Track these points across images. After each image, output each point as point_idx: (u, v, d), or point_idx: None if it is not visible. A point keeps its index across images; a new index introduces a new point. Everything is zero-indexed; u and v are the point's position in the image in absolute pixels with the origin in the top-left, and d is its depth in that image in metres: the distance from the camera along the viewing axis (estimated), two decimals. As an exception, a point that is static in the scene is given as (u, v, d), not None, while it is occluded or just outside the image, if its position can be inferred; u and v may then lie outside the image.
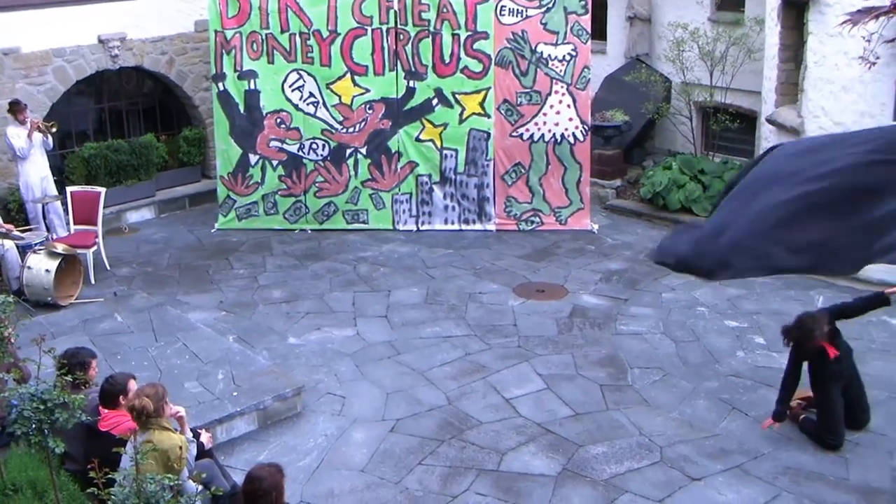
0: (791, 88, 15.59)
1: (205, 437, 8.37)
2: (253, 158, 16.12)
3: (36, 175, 14.44)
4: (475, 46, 15.77)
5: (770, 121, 15.68)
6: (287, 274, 14.34)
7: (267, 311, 12.98)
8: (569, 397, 10.66)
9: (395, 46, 15.78)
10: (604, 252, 15.38)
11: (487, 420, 10.14)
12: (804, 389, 10.18)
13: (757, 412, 10.39)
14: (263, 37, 15.77)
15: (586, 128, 16.21)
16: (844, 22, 5.33)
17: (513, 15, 15.73)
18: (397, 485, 8.99)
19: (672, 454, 9.56)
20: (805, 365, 9.90)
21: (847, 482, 9.13)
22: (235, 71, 15.88)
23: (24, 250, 13.18)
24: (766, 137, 15.96)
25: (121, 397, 7.90)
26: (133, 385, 8.04)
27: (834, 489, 9.00)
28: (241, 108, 16.00)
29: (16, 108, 14.32)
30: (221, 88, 15.97)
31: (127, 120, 17.69)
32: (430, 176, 16.27)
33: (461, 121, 16.00)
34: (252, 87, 15.93)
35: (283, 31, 15.76)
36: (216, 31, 15.83)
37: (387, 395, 10.70)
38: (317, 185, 16.20)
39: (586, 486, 8.99)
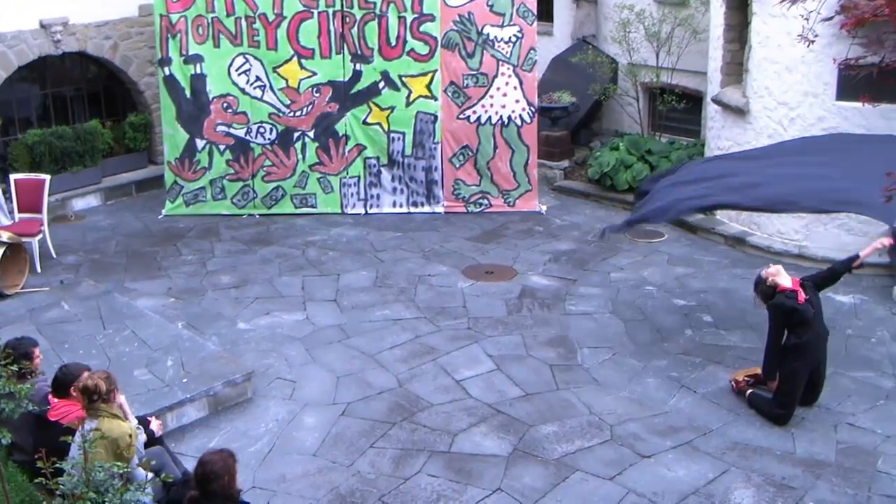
0: (736, 69, 15.70)
1: (154, 425, 8.34)
2: (200, 143, 16.03)
3: (-23, 164, 14.29)
4: (421, 29, 15.76)
5: (716, 101, 15.80)
6: (236, 259, 14.28)
7: (216, 296, 12.93)
8: (519, 378, 10.73)
9: (341, 29, 15.74)
10: (552, 233, 15.47)
11: (438, 402, 10.18)
12: (755, 367, 10.31)
13: (705, 389, 10.53)
14: (209, 20, 15.66)
15: (533, 109, 16.28)
16: (782, 1, 5.39)
17: (459, -3, 15.76)
18: (349, 468, 9.01)
19: (622, 432, 9.65)
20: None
21: (794, 456, 9.28)
22: (181, 55, 15.77)
23: (-33, 239, 13.03)
24: (712, 117, 16.09)
25: (72, 387, 7.85)
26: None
27: (781, 463, 9.15)
28: (188, 92, 15.89)
29: None
30: (167, 73, 15.85)
31: (71, 106, 17.49)
32: (377, 159, 16.26)
33: (408, 104, 16.01)
34: (198, 71, 15.83)
35: (228, 15, 15.66)
36: (161, 15, 15.70)
37: (337, 378, 10.70)
38: (264, 169, 16.14)
39: (537, 466, 9.06)
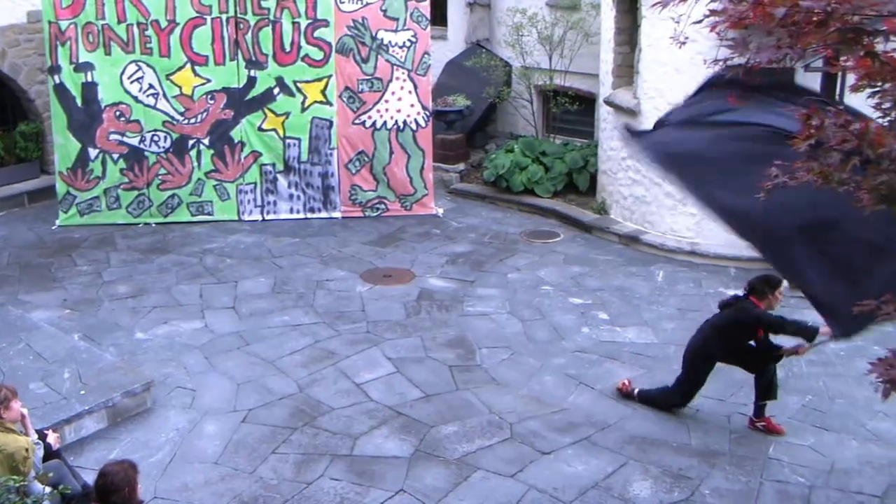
0: (627, 71, 15.99)
1: (52, 438, 8.23)
2: (93, 152, 15.79)
3: None
4: (315, 34, 15.77)
5: (608, 102, 16.06)
6: (132, 269, 14.13)
7: (113, 307, 12.78)
8: (419, 379, 10.81)
9: (235, 35, 15.67)
10: (449, 235, 15.59)
11: (339, 406, 10.21)
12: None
13: (602, 385, 10.73)
14: (100, 28, 15.44)
15: (428, 113, 16.39)
16: (654, 4, 5.53)
17: (353, 2, 15.78)
18: (251, 474, 8.99)
19: (522, 430, 9.79)
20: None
21: (689, 447, 9.53)
22: (71, 63, 15.52)
23: None
24: (605, 118, 16.36)
25: None
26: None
27: (677, 454, 9.38)
28: (79, 101, 15.64)
29: None
30: (57, 81, 15.59)
31: (-40, 115, 17.15)
32: (273, 165, 16.21)
33: (303, 109, 16.00)
34: (89, 79, 15.60)
35: (119, 22, 15.46)
36: (50, 22, 15.43)
37: (237, 385, 10.67)
38: (160, 177, 15.98)
39: (439, 466, 9.14)
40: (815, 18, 4.64)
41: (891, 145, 4.97)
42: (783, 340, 9.69)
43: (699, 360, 10.00)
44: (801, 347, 9.47)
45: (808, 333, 9.19)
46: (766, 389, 9.87)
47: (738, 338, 9.84)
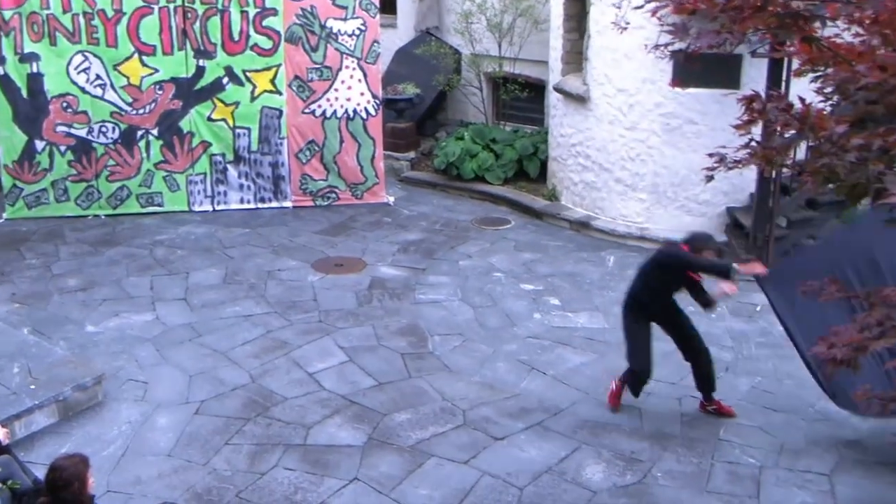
0: (576, 57, 16.04)
1: (1, 434, 8.15)
2: (39, 145, 15.62)
3: None
4: (264, 23, 15.68)
5: (557, 89, 16.12)
6: (82, 261, 14.01)
7: (62, 300, 12.67)
8: (371, 368, 10.82)
9: (183, 25, 15.53)
10: (400, 224, 15.61)
11: (292, 395, 10.20)
12: None
13: (555, 371, 10.80)
14: (44, 17, 15.23)
15: (378, 102, 16.37)
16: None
17: (301, -9, 15.73)
18: (205, 466, 8.97)
19: (475, 416, 9.83)
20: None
21: (641, 430, 9.63)
22: (16, 54, 15.31)
23: None
24: (555, 105, 16.43)
25: None
26: None
27: (629, 438, 9.47)
28: (24, 92, 15.44)
29: None
30: (2, 73, 15.36)
31: None
32: (223, 155, 16.13)
33: (253, 99, 15.92)
34: (35, 70, 15.40)
35: (65, 12, 15.27)
36: (-7, 13, 15.27)
37: (190, 377, 10.62)
38: (108, 169, 15.84)
39: (393, 454, 9.16)
40: (755, 3, 4.70)
41: (832, 129, 5.04)
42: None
43: (631, 316, 9.89)
44: (727, 285, 9.31)
45: (725, 271, 9.15)
46: (704, 382, 9.92)
47: (663, 281, 9.67)
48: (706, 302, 9.68)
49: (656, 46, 6.06)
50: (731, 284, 9.22)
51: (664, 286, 9.73)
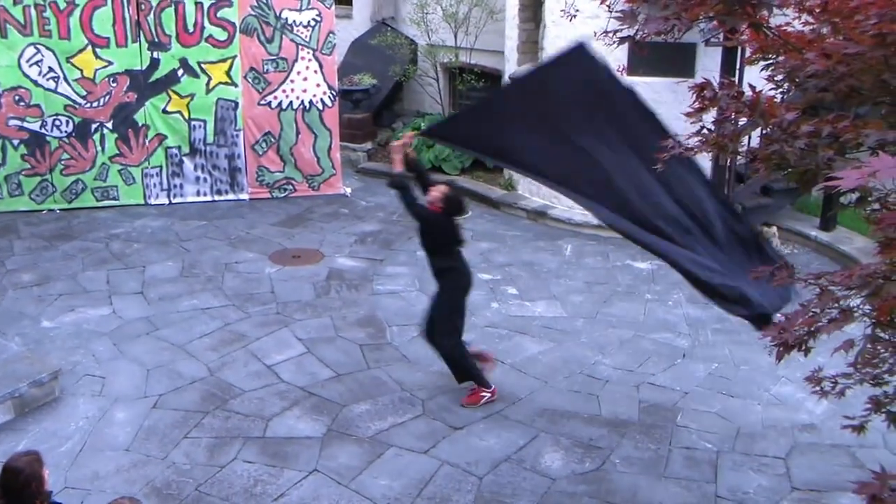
0: (532, 47, 16.09)
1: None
2: (-8, 139, 15.51)
3: None
4: (219, 14, 15.61)
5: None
6: (37, 256, 13.89)
7: (17, 295, 12.56)
8: (330, 359, 10.81)
9: (136, 17, 15.42)
10: (357, 215, 15.60)
11: (250, 388, 10.17)
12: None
13: (513, 360, 10.83)
14: (-6, 10, 15.13)
15: (334, 93, 16.35)
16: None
17: (255, -18, 15.67)
18: (164, 460, 8.92)
19: (434, 406, 9.86)
20: None
21: (599, 417, 9.67)
22: (-34, 47, 15.20)
23: None
24: (510, 95, 16.43)
25: None
26: None
27: (588, 425, 9.52)
28: (-25, 86, 15.33)
29: None
30: (-48, 67, 15.25)
31: None
32: (179, 148, 16.05)
33: (208, 91, 15.85)
34: (-14, 63, 15.28)
35: (15, 4, 15.07)
36: (-58, 6, 15.08)
37: (147, 371, 10.56)
38: (63, 162, 15.70)
39: (352, 444, 9.16)
40: (703, -10, 4.75)
41: (782, 116, 5.09)
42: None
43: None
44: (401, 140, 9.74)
45: (401, 185, 9.38)
46: (457, 371, 9.97)
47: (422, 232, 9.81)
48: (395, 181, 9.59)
49: (605, 34, 6.09)
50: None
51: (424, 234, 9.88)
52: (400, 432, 9.38)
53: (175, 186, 16.21)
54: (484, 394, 9.90)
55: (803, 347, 5.09)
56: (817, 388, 5.57)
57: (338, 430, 9.41)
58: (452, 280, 9.90)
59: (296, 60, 16.03)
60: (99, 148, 15.77)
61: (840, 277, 4.65)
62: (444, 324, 9.83)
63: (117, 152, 15.86)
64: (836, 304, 4.78)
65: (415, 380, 10.38)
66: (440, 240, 9.80)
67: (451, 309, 9.87)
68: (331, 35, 16.17)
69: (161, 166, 16.08)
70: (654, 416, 9.69)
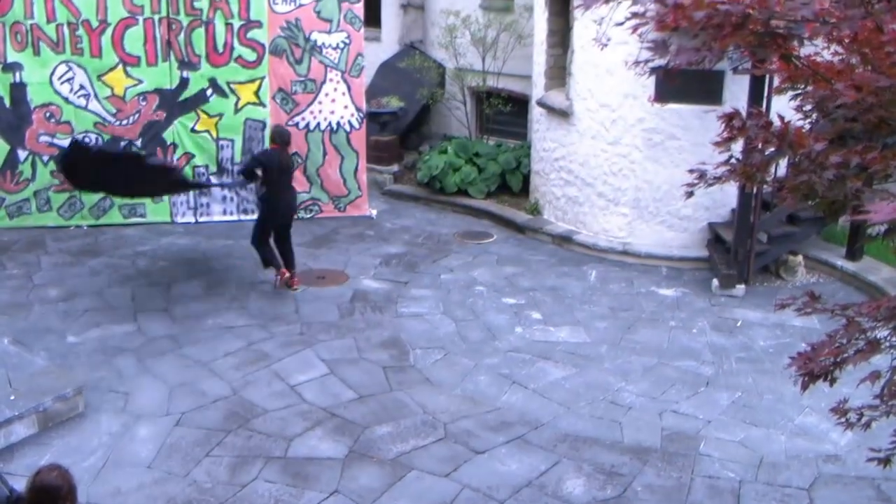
0: (559, 72, 16.12)
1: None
2: (22, 154, 15.59)
3: None
4: (249, 35, 15.71)
5: (540, 104, 16.19)
6: (63, 272, 13.97)
7: (43, 310, 12.63)
8: (353, 380, 10.82)
9: (167, 36, 15.54)
10: (383, 237, 15.63)
11: (273, 408, 10.19)
12: None
13: (536, 385, 10.81)
14: (28, 27, 15.22)
15: (361, 115, 16.41)
16: (578, 6, 5.60)
17: (286, 3, 15.74)
18: (185, 478, 8.95)
19: (456, 429, 9.84)
20: None
21: (621, 444, 9.63)
22: (-1, 64, 15.34)
23: None
24: (538, 119, 16.48)
25: None
26: None
27: (610, 451, 9.48)
28: (7, 102, 15.41)
29: None
30: (-16, 83, 15.40)
31: None
32: (207, 167, 16.11)
33: (236, 111, 15.92)
34: (18, 80, 15.38)
35: (49, 22, 15.26)
36: (-24, 23, 15.24)
37: (171, 388, 10.60)
38: (91, 179, 15.81)
39: (373, 466, 9.16)
40: (734, 21, 4.75)
41: (810, 146, 5.08)
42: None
43: None
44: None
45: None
46: (264, 262, 13.35)
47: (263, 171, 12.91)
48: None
49: (636, 63, 6.10)
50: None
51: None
52: (422, 455, 9.37)
53: (202, 205, 16.28)
54: (282, 272, 13.34)
55: (829, 378, 5.07)
56: (843, 420, 5.54)
57: (359, 451, 9.41)
58: (266, 209, 13.27)
59: (324, 82, 16.09)
60: (128, 165, 15.85)
61: (867, 309, 4.64)
62: (256, 234, 13.27)
63: (146, 170, 15.93)
64: (863, 335, 4.76)
65: (437, 403, 10.37)
66: (270, 175, 12.86)
67: (262, 230, 13.26)
68: (359, 57, 16.25)
69: (188, 185, 16.16)
70: (677, 443, 9.65)
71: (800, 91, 5.52)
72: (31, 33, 15.22)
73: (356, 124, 16.37)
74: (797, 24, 4.94)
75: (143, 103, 15.68)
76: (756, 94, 12.51)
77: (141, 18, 15.41)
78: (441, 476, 9.03)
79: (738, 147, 5.89)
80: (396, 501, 8.64)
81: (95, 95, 15.53)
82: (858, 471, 9.11)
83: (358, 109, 16.36)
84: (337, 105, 16.20)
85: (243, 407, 10.21)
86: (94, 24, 15.29)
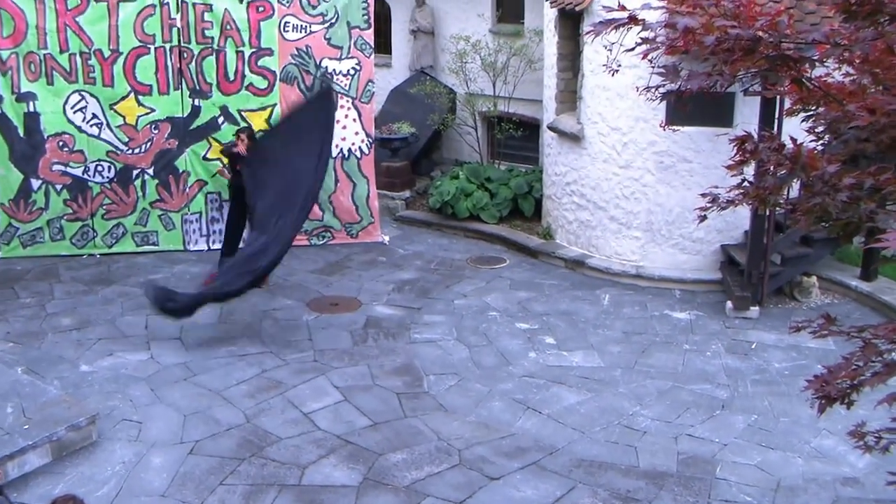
0: (570, 96, 16.12)
1: (-5, 474, 8.11)
2: (35, 183, 15.64)
3: None
4: (260, 63, 15.76)
5: (551, 128, 16.18)
6: (76, 300, 13.99)
7: (56, 339, 12.64)
8: (366, 407, 10.79)
9: (179, 65, 15.61)
10: (395, 263, 15.62)
11: (287, 435, 10.16)
12: None
13: (550, 410, 10.76)
14: (42, 57, 15.29)
15: (371, 140, 16.42)
16: (588, 32, 5.58)
17: (297, 31, 15.79)
18: (199, 507, 8.95)
19: (470, 456, 9.80)
20: None
21: (637, 469, 9.58)
22: (13, 93, 15.35)
23: None
24: (549, 144, 16.48)
25: None
26: None
27: (625, 477, 9.42)
28: (21, 131, 15.47)
29: None
30: (-1, 112, 15.46)
31: None
32: (219, 194, 16.14)
33: (248, 138, 15.95)
34: (31, 109, 15.43)
35: (62, 52, 15.33)
36: (-10, 53, 15.32)
37: (184, 417, 10.58)
38: (104, 207, 15.84)
39: (388, 494, 9.12)
40: (745, 45, 4.74)
41: (823, 168, 5.06)
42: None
43: None
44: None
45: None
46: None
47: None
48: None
49: (647, 88, 6.09)
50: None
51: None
52: (436, 482, 9.33)
53: (214, 232, 16.30)
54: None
55: (846, 400, 5.03)
56: (861, 443, 5.49)
57: (374, 478, 9.37)
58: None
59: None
60: (140, 193, 15.91)
61: (884, 331, 4.61)
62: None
63: (158, 198, 15.99)
64: (880, 358, 4.73)
65: (452, 429, 10.33)
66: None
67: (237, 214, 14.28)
68: (370, 83, 16.29)
69: (201, 212, 16.19)
70: (693, 468, 9.59)
71: (811, 112, 5.51)
72: (45, 63, 15.28)
73: (366, 150, 16.40)
74: (808, 47, 4.93)
75: (155, 132, 15.73)
76: (767, 116, 12.50)
77: (152, 47, 15.48)
78: (456, 503, 8.99)
79: (750, 170, 5.87)
80: (411, 529, 8.61)
81: (108, 124, 15.58)
82: (878, 493, 9.04)
83: (368, 135, 16.39)
84: (348, 132, 16.22)
85: (257, 435, 10.18)
86: (107, 53, 15.35)
